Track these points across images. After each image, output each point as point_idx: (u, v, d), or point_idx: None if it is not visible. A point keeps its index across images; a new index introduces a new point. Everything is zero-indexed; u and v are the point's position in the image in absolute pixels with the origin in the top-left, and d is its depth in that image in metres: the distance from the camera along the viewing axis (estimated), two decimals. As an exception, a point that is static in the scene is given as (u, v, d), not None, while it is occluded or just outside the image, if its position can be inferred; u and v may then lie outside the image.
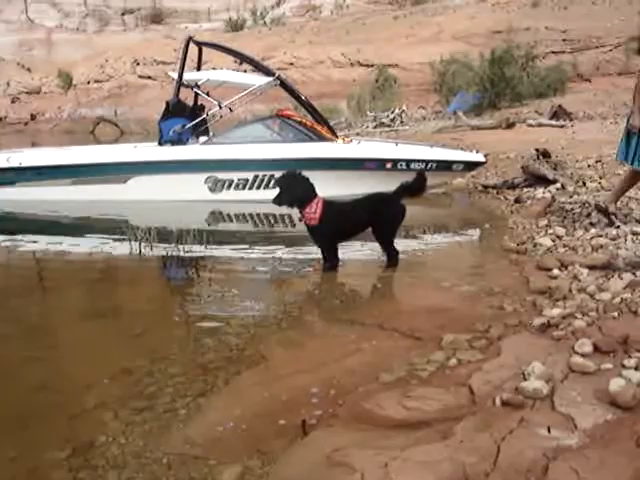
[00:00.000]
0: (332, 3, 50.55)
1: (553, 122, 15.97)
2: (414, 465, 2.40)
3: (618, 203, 6.10)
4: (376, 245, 5.67)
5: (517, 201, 8.07)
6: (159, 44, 42.01)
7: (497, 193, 8.93)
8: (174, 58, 32.61)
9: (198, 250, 6.63)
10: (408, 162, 8.84)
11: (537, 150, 10.00)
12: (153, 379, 3.49)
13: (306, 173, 5.58)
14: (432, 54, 25.59)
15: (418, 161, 8.84)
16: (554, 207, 7.16)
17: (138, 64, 40.47)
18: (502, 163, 10.74)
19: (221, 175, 8.94)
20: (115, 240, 7.38)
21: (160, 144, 9.33)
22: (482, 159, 9.53)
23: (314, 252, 5.79)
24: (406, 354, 3.55)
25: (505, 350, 3.37)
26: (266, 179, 8.76)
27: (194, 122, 9.36)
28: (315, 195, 5.48)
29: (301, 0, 52.13)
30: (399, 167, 8.81)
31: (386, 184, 6.17)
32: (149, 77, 38.73)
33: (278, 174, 5.80)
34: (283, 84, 9.68)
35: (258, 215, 8.63)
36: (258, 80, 9.84)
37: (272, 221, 8.32)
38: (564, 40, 29.49)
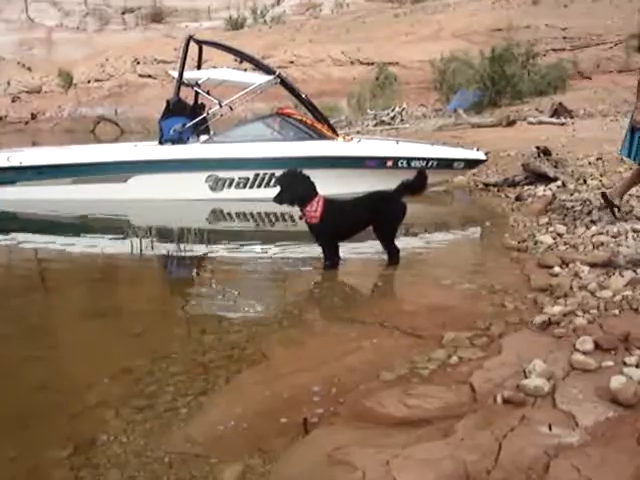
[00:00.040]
0: (332, 1, 50.53)
1: (554, 120, 15.96)
2: (415, 463, 2.40)
3: (617, 201, 6.10)
4: (377, 243, 5.66)
5: (518, 199, 8.07)
6: (159, 43, 42.02)
7: (498, 191, 8.92)
8: (174, 57, 32.60)
9: (199, 249, 6.63)
10: (409, 160, 8.84)
11: (538, 148, 10.00)
12: (154, 378, 3.49)
13: (307, 171, 5.57)
14: (432, 52, 25.60)
15: (419, 159, 8.83)
16: (555, 205, 7.16)
17: (138, 63, 40.48)
18: (503, 161, 10.73)
19: (222, 174, 8.94)
20: (116, 239, 7.39)
21: (160, 143, 9.33)
22: (483, 157, 9.52)
23: (315, 250, 5.79)
24: (407, 352, 3.54)
25: (506, 348, 3.37)
26: (267, 178, 8.75)
27: (194, 121, 9.35)
28: (316, 193, 5.47)
29: (301, -2, 52.14)
30: (400, 165, 8.81)
31: (387, 182, 6.16)
32: (149, 76, 38.74)
33: (279, 173, 5.80)
34: (283, 82, 9.67)
35: (259, 214, 8.63)
36: (258, 79, 9.83)
37: (273, 220, 8.31)
38: (564, 38, 29.48)
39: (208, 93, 9.70)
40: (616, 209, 5.92)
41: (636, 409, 2.62)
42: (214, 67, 12.33)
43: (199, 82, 9.68)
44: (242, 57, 11.54)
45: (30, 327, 4.55)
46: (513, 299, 4.29)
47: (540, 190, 8.15)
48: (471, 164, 9.52)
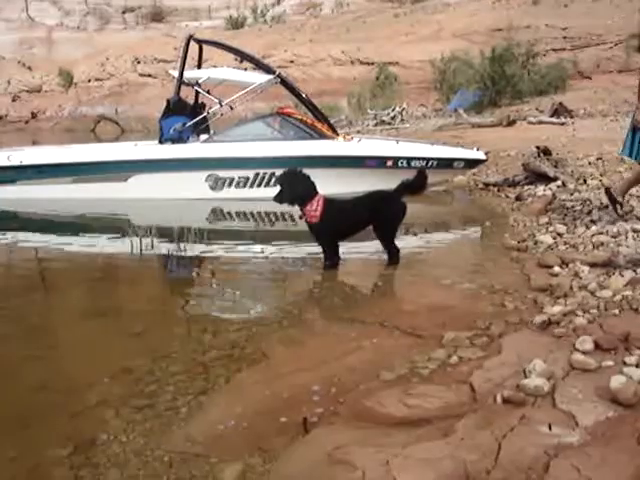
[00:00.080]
0: (332, 1, 50.50)
1: (554, 120, 15.95)
2: (415, 462, 2.40)
3: (620, 198, 6.11)
4: (377, 243, 5.66)
5: (518, 199, 8.07)
6: (160, 42, 42.00)
7: (498, 191, 8.92)
8: (175, 56, 32.57)
9: (199, 248, 6.63)
10: (409, 160, 8.83)
11: (538, 148, 10.00)
12: (154, 377, 3.49)
13: (307, 171, 5.57)
14: (432, 52, 25.59)
15: (419, 159, 8.83)
16: (555, 205, 7.16)
17: (139, 62, 40.46)
18: (503, 161, 10.73)
19: (222, 173, 8.94)
20: (116, 238, 7.39)
21: (161, 142, 9.33)
22: (483, 157, 9.52)
23: (315, 250, 5.79)
24: (407, 352, 3.55)
25: (506, 348, 3.37)
26: (267, 177, 8.75)
27: (195, 120, 9.34)
28: (316, 193, 5.47)
29: (301, -2, 52.13)
30: (400, 165, 8.81)
31: (387, 182, 6.16)
32: (150, 75, 38.72)
33: (279, 172, 5.81)
34: (284, 82, 9.67)
35: (259, 213, 8.63)
36: (259, 78, 9.83)
37: (273, 219, 8.31)
38: (564, 38, 29.47)
39: (208, 92, 9.71)
40: (619, 205, 5.94)
41: (636, 409, 2.62)
42: (214, 66, 12.33)
43: (199, 81, 9.68)
44: (242, 56, 11.53)
45: (30, 327, 4.55)
46: (513, 299, 4.29)
47: (540, 190, 8.15)
48: (471, 164, 9.52)
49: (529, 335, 3.57)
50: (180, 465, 2.66)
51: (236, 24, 47.12)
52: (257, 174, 8.87)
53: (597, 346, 3.17)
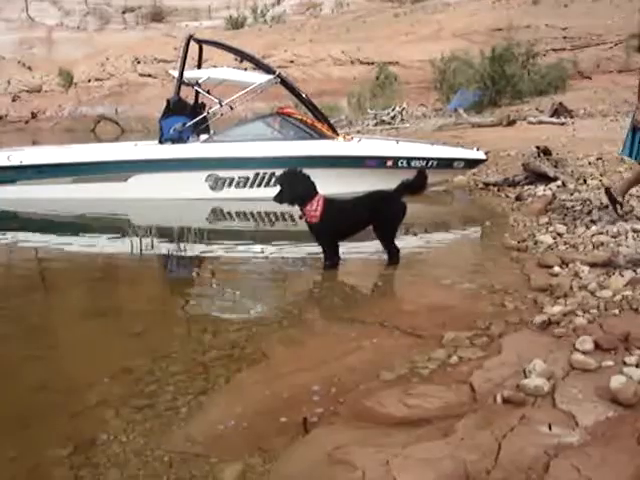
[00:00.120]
0: (332, 1, 50.50)
1: (554, 120, 15.95)
2: (415, 462, 2.40)
3: (620, 198, 6.11)
4: (377, 243, 5.66)
5: (518, 199, 8.07)
6: (160, 42, 41.99)
7: (498, 191, 8.92)
8: (175, 56, 32.57)
9: (199, 248, 6.63)
10: (409, 160, 8.83)
11: (538, 148, 10.00)
12: (154, 377, 3.49)
13: (307, 171, 5.57)
14: (432, 52, 25.58)
15: (419, 159, 8.83)
16: (555, 205, 7.16)
17: (139, 62, 40.46)
18: (503, 161, 10.73)
19: (222, 173, 8.94)
20: (116, 238, 7.39)
21: (161, 142, 9.33)
22: (483, 157, 9.52)
23: (315, 250, 5.79)
24: (407, 352, 3.55)
25: (506, 348, 3.37)
26: (267, 177, 8.75)
27: (195, 120, 9.34)
28: (316, 193, 5.47)
29: (301, -2, 52.12)
30: (400, 165, 8.81)
31: (387, 182, 6.16)
32: (150, 75, 38.72)
33: (279, 172, 5.80)
34: (283, 82, 9.67)
35: (259, 213, 8.63)
36: (259, 78, 9.83)
37: (273, 219, 8.31)
38: (564, 38, 29.47)
39: (208, 92, 9.71)
40: (619, 205, 5.94)
41: (636, 409, 2.62)
42: (214, 66, 12.33)
43: (199, 81, 9.68)
44: (242, 56, 11.53)
45: (30, 326, 4.55)
46: (513, 299, 4.29)
47: (540, 190, 8.15)
48: (471, 164, 9.52)
49: (529, 335, 3.57)
50: (180, 465, 2.66)
51: (236, 24, 47.11)
52: (257, 174, 8.87)
53: (597, 346, 3.17)
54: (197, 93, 9.83)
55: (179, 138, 9.20)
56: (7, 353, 4.06)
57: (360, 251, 6.19)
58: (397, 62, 30.87)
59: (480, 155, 9.48)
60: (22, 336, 4.37)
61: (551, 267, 4.80)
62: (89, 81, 39.96)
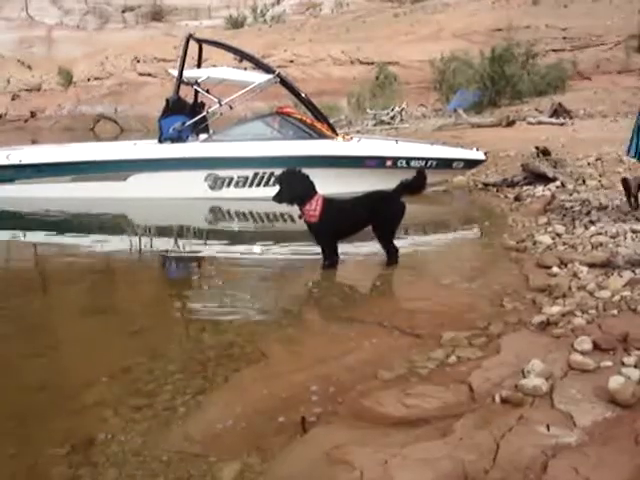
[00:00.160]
0: (332, 1, 50.45)
1: (553, 120, 15.96)
2: (413, 462, 2.40)
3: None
4: (376, 243, 5.66)
5: (517, 199, 8.07)
6: (159, 41, 41.94)
7: (497, 191, 8.92)
8: (174, 55, 32.48)
9: (198, 248, 6.63)
10: (408, 160, 8.83)
11: (537, 148, 10.01)
12: (152, 377, 3.49)
13: (306, 171, 5.57)
14: (432, 52, 25.55)
15: (418, 159, 8.82)
16: (554, 205, 7.16)
17: (138, 61, 40.41)
18: (502, 161, 10.73)
19: (221, 173, 8.94)
20: (115, 237, 7.39)
21: (160, 141, 9.33)
22: (482, 157, 9.52)
23: (314, 250, 5.78)
24: (406, 352, 3.55)
25: (505, 348, 3.38)
26: (266, 177, 8.75)
27: (194, 119, 9.34)
28: (315, 193, 5.48)
29: (301, -2, 52.11)
30: (399, 165, 8.81)
31: (386, 182, 6.17)
32: (149, 74, 38.67)
33: (278, 172, 5.80)
34: (283, 82, 9.67)
35: (258, 213, 8.63)
36: (258, 78, 9.82)
37: (272, 219, 8.31)
38: (564, 38, 29.44)
39: (208, 92, 9.70)
40: (633, 198, 5.92)
41: (634, 409, 2.62)
42: (214, 66, 12.33)
43: (199, 81, 9.67)
44: (242, 56, 11.53)
45: (29, 326, 4.55)
46: (512, 299, 4.29)
47: (539, 190, 8.16)
48: (470, 164, 9.52)
49: (528, 335, 3.57)
50: (178, 464, 2.66)
51: (236, 24, 47.06)
52: (256, 174, 8.86)
53: (596, 346, 3.17)
54: (196, 92, 9.83)
55: (178, 137, 9.20)
56: (6, 352, 4.06)
57: (359, 251, 6.20)
58: (397, 62, 30.83)
59: (479, 155, 9.49)
60: (21, 335, 4.37)
61: (550, 267, 4.80)
62: (88, 80, 39.91)
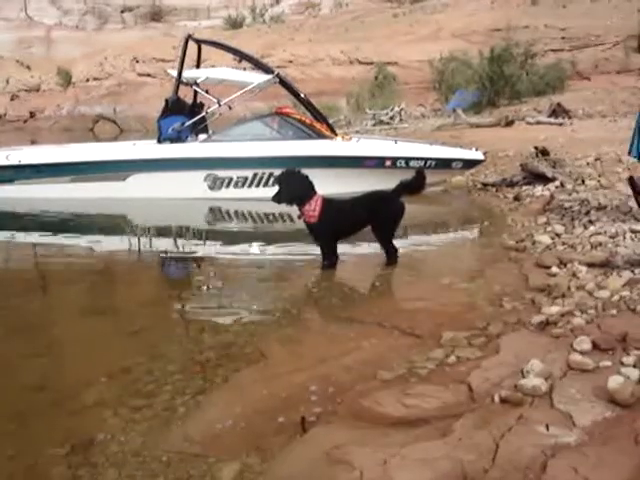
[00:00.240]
0: (331, 1, 50.46)
1: (552, 120, 15.95)
2: (413, 462, 2.40)
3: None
4: (375, 243, 5.66)
5: (516, 199, 8.07)
6: (158, 42, 41.91)
7: (496, 191, 8.92)
8: (173, 56, 32.44)
9: (197, 248, 6.63)
10: (407, 160, 8.84)
11: (536, 148, 10.01)
12: (152, 377, 3.49)
13: (305, 171, 5.57)
14: (431, 52, 25.54)
15: (417, 159, 8.83)
16: (553, 205, 7.16)
17: (137, 62, 40.37)
18: (501, 161, 10.73)
19: (220, 173, 8.94)
20: (114, 238, 7.39)
21: (159, 142, 9.33)
22: (481, 157, 9.52)
23: (313, 250, 5.79)
24: (405, 352, 3.55)
25: (504, 348, 3.38)
26: (265, 177, 8.76)
27: (193, 120, 9.34)
28: (314, 193, 5.48)
29: (300, -2, 52.10)
30: (398, 165, 8.81)
31: (385, 182, 6.17)
32: (148, 75, 38.64)
33: (277, 172, 5.81)
34: (282, 82, 9.67)
35: (257, 213, 8.63)
36: (257, 78, 9.82)
37: (271, 219, 8.31)
38: (563, 38, 29.43)
39: (207, 92, 9.71)
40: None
41: (633, 409, 2.62)
42: (213, 66, 12.33)
43: (198, 81, 9.68)
44: (241, 56, 11.54)
45: (28, 326, 4.55)
46: (511, 299, 4.29)
47: (538, 190, 8.16)
48: (469, 164, 9.52)
49: (527, 335, 3.57)
50: (178, 464, 2.66)
51: (235, 24, 47.03)
52: (255, 174, 8.87)
53: (595, 346, 3.17)
54: (196, 93, 9.83)
55: (178, 138, 9.20)
56: (6, 352, 4.06)
57: (358, 251, 6.20)
58: (396, 62, 30.82)
59: (478, 155, 9.49)
60: (21, 335, 4.37)
61: (549, 267, 4.80)
62: (87, 80, 39.86)
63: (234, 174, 8.93)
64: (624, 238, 5.31)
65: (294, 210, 5.73)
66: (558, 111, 17.06)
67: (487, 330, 3.74)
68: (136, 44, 42.42)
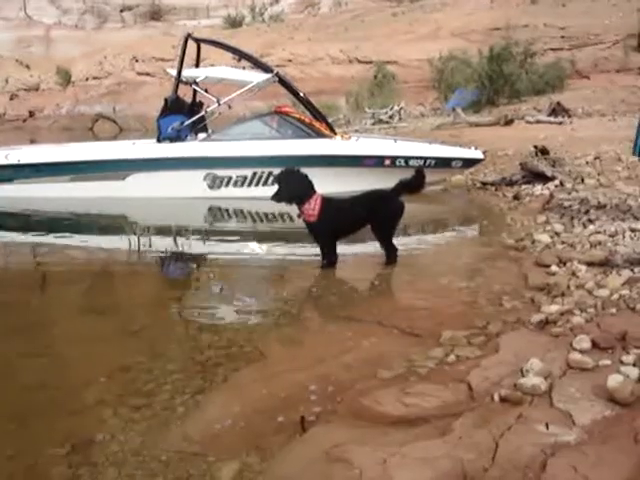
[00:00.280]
0: (331, 0, 50.45)
1: (551, 119, 15.94)
2: (413, 461, 2.40)
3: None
4: (375, 242, 5.66)
5: (515, 198, 8.08)
6: (158, 41, 41.87)
7: (495, 190, 8.92)
8: (173, 55, 32.40)
9: (197, 247, 6.63)
10: (407, 159, 8.83)
11: (535, 147, 10.01)
12: (151, 376, 3.49)
13: (305, 170, 5.57)
14: (430, 51, 25.53)
15: (417, 158, 8.82)
16: (552, 204, 7.16)
17: (137, 61, 40.35)
18: (500, 160, 10.73)
19: (220, 172, 8.93)
20: (114, 237, 7.39)
21: (159, 141, 9.32)
22: (480, 156, 9.52)
23: (312, 249, 5.78)
24: (405, 351, 3.55)
25: (503, 347, 3.38)
26: (265, 176, 8.75)
27: (192, 119, 9.34)
28: (314, 192, 5.47)
29: (300, -3, 52.06)
30: (398, 164, 8.80)
31: (385, 181, 6.17)
32: (148, 74, 38.61)
33: (277, 171, 5.81)
34: (281, 81, 9.66)
35: (257, 212, 8.63)
36: (257, 77, 9.82)
37: (271, 218, 8.31)
38: (562, 37, 29.41)
39: (206, 91, 9.70)
40: None
41: (633, 408, 2.62)
42: (212, 65, 12.32)
43: (197, 80, 9.68)
44: (240, 55, 11.52)
45: (28, 325, 4.54)
46: (510, 298, 4.29)
47: (538, 189, 8.16)
48: (469, 163, 9.52)
49: (526, 334, 3.57)
50: (177, 464, 2.66)
51: (234, 23, 46.99)
52: (255, 173, 8.86)
53: (594, 345, 3.18)
54: (195, 92, 9.83)
55: (177, 137, 9.19)
56: (5, 351, 4.05)
57: (358, 250, 6.20)
58: (395, 61, 30.81)
59: (478, 154, 9.49)
60: (21, 335, 4.36)
61: (549, 266, 4.81)
62: (87, 80, 39.84)
63: (233, 173, 8.92)
64: (623, 237, 5.32)
65: (294, 209, 5.73)
66: (557, 110, 17.06)
67: (487, 329, 3.74)
68: (135, 43, 42.39)
